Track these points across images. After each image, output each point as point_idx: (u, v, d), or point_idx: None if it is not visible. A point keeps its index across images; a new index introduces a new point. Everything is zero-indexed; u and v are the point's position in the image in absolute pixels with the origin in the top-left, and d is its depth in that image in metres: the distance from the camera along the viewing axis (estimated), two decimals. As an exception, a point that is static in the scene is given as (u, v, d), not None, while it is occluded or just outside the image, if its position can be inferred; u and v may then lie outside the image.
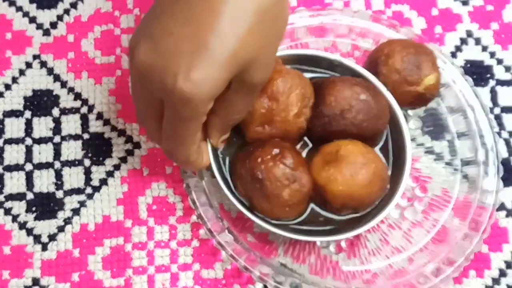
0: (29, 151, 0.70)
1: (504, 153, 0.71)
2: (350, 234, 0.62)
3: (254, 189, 0.61)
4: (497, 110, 0.73)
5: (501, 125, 0.72)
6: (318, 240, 0.65)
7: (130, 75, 0.59)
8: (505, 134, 0.72)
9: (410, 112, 0.71)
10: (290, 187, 0.60)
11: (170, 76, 0.51)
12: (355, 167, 0.60)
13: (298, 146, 0.66)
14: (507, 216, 0.69)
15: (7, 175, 0.69)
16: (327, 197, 0.61)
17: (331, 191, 0.60)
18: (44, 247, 0.67)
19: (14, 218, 0.68)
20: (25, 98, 0.72)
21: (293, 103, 0.62)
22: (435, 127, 0.70)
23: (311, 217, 0.64)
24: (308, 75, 0.66)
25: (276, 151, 0.61)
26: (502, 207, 0.69)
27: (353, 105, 0.62)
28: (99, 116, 0.71)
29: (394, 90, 0.65)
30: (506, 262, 0.67)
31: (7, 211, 0.68)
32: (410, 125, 0.70)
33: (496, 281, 0.67)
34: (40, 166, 0.70)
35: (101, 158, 0.70)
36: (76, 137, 0.71)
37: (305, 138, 0.66)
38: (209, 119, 0.58)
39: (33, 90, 0.72)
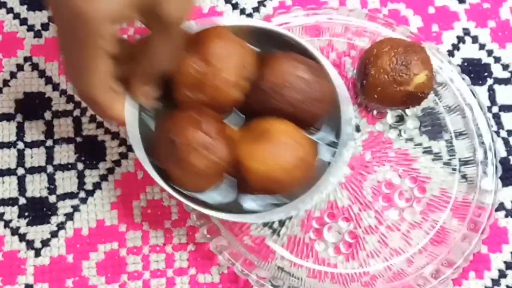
0: (21, 155, 0.69)
1: (503, 152, 0.70)
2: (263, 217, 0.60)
3: (169, 154, 0.57)
4: (495, 109, 0.72)
5: (499, 124, 0.71)
6: (227, 217, 0.60)
7: None
8: (503, 133, 0.71)
9: (407, 111, 0.70)
10: (206, 157, 0.56)
11: None
12: (279, 147, 0.57)
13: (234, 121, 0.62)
14: (506, 216, 0.68)
15: (-2, 180, 0.69)
16: (244, 173, 0.57)
17: (249, 168, 0.57)
18: (37, 253, 0.66)
19: (6, 224, 0.67)
20: (16, 101, 0.71)
21: (229, 71, 0.58)
22: (433, 126, 0.70)
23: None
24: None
25: (198, 117, 0.57)
26: (501, 207, 0.68)
27: (292, 83, 0.59)
28: (92, 119, 0.70)
29: (384, 90, 0.64)
30: (505, 262, 0.67)
31: (-1, 217, 0.67)
32: (408, 125, 0.70)
33: (495, 282, 0.66)
34: (32, 170, 0.69)
35: (94, 162, 0.69)
36: (68, 140, 0.70)
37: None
38: (130, 67, 0.57)
39: (25, 93, 0.71)
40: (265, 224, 0.66)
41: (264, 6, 0.75)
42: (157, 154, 0.59)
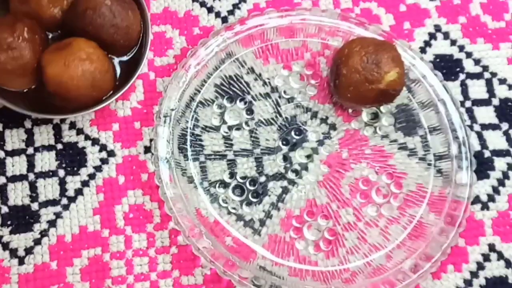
0: (2, 164, 0.69)
1: (477, 146, 0.71)
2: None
3: None
4: (468, 104, 0.73)
5: (472, 118, 0.72)
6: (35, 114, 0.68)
7: None
8: (477, 127, 0.72)
9: (382, 109, 0.71)
10: (7, 53, 0.64)
11: None
12: (73, 58, 0.64)
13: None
14: (482, 209, 0.69)
15: (-20, 189, 0.69)
16: (43, 78, 0.65)
17: (45, 71, 0.65)
18: (21, 261, 0.66)
19: (-10, 233, 0.67)
20: (-5, 110, 0.71)
21: None
22: (407, 123, 0.71)
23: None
24: None
25: (13, 22, 0.65)
26: (477, 200, 0.69)
27: (97, 7, 0.66)
28: (72, 125, 0.71)
29: (357, 89, 0.65)
30: (483, 255, 0.68)
31: (-18, 226, 0.67)
32: (383, 122, 0.71)
33: (474, 274, 0.67)
34: (13, 178, 0.69)
35: (75, 168, 0.70)
36: (49, 147, 0.70)
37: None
38: None
39: (4, 102, 0.71)
40: (246, 224, 0.67)
41: (239, 8, 0.76)
42: None
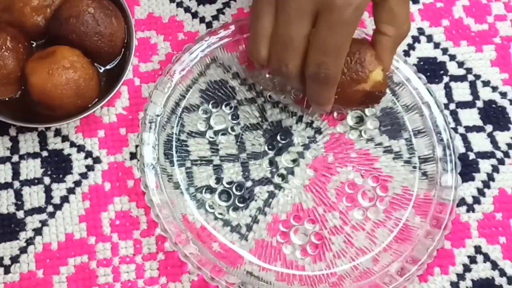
0: (-14, 172, 0.69)
1: (461, 149, 0.72)
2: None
3: None
4: (452, 106, 0.74)
5: (457, 121, 0.73)
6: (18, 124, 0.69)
7: (284, 12, 0.60)
8: (461, 130, 0.73)
9: (367, 112, 0.72)
10: None
11: None
12: (57, 67, 0.65)
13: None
14: (467, 211, 0.70)
15: (-35, 198, 0.68)
16: (27, 87, 0.65)
17: (30, 81, 0.65)
18: (7, 270, 0.66)
19: (-25, 242, 0.67)
20: (-21, 118, 0.71)
21: None
22: (392, 126, 0.71)
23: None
24: None
25: None
26: (462, 202, 0.70)
27: (80, 15, 0.66)
28: (57, 132, 0.71)
29: (344, 91, 0.64)
30: (469, 257, 0.68)
31: (-33, 235, 0.67)
32: (368, 125, 0.71)
33: (461, 276, 0.68)
34: (-2, 187, 0.69)
35: (61, 175, 0.69)
36: (34, 155, 0.70)
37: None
38: (379, 39, 0.64)
39: (-12, 110, 0.71)
40: (232, 230, 0.67)
41: (223, 13, 0.76)
42: None
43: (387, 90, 0.70)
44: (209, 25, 0.75)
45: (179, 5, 0.76)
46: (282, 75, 0.63)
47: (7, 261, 0.66)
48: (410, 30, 0.65)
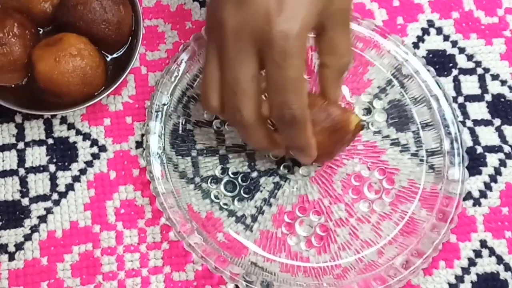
0: (-8, 159, 0.69)
1: (469, 142, 0.71)
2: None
3: None
4: (460, 99, 0.73)
5: (465, 114, 0.72)
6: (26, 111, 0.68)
7: (225, 55, 0.57)
8: (469, 123, 0.72)
9: (375, 104, 0.71)
10: (1, 52, 0.65)
11: (263, 18, 0.54)
12: (64, 54, 0.64)
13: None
14: (474, 205, 0.69)
15: (-30, 185, 0.68)
16: (34, 74, 0.65)
17: (36, 67, 0.65)
18: (11, 257, 0.66)
19: (-20, 229, 0.67)
20: (-15, 105, 0.71)
21: None
22: (400, 118, 0.71)
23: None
24: None
25: (1, 17, 0.66)
26: (468, 196, 0.69)
27: (88, 2, 0.66)
28: (63, 120, 0.71)
29: (333, 151, 0.65)
30: (475, 251, 0.68)
31: (-28, 222, 0.67)
32: (376, 118, 0.71)
33: (465, 270, 0.67)
34: (4, 174, 0.69)
35: (66, 163, 0.69)
36: (40, 142, 0.70)
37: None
38: (322, 72, 0.61)
39: (-6, 96, 0.71)
40: (237, 220, 0.67)
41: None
42: None
43: (396, 82, 0.70)
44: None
45: (187, -7, 0.75)
46: (238, 126, 0.60)
47: (11, 248, 0.66)
48: (353, 63, 0.64)
